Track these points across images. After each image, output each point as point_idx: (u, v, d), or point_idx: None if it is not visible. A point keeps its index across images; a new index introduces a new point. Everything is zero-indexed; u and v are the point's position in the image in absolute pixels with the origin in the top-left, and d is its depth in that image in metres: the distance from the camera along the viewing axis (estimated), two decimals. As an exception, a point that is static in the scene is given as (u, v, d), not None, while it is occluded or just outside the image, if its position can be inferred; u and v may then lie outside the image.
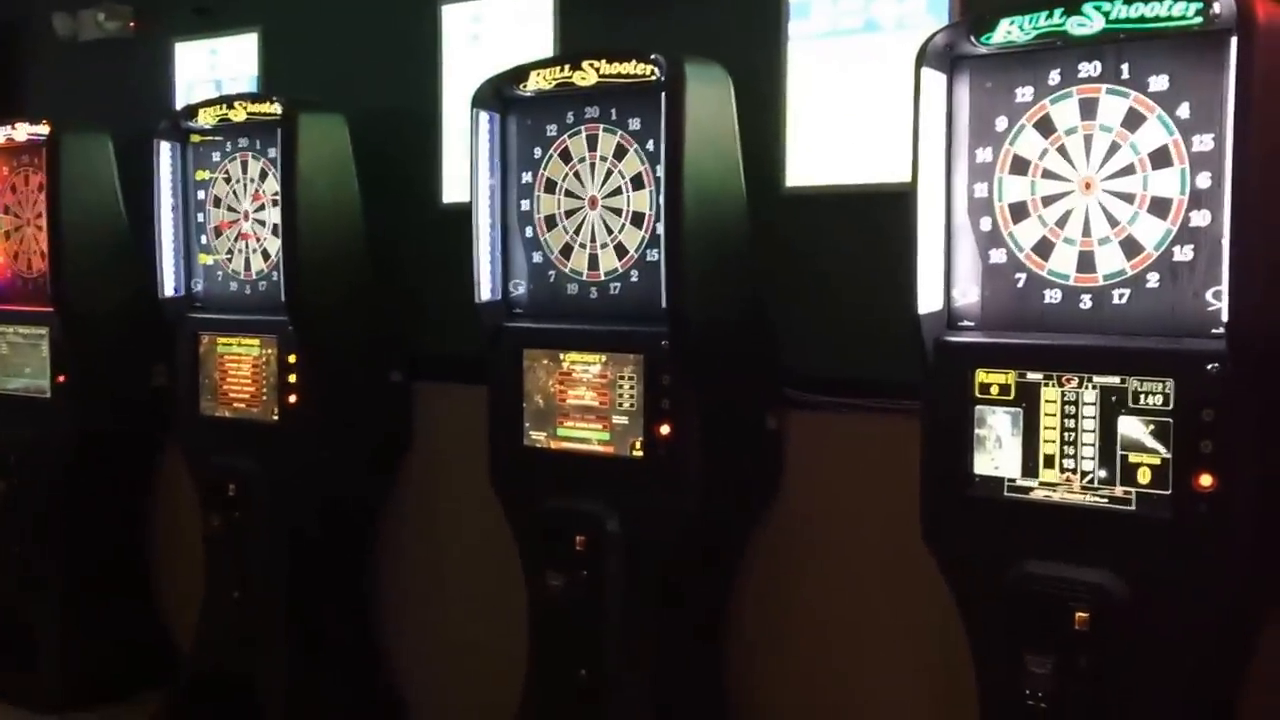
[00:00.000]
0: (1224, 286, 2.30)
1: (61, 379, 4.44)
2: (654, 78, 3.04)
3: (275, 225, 3.87)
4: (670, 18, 3.46)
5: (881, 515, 3.11)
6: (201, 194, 4.13)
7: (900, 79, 2.73)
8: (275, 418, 3.90)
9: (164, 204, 4.14)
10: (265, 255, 3.98)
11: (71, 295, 4.39)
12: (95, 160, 4.51)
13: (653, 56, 3.04)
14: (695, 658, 3.36)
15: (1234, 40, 2.26)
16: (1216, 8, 2.29)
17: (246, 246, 4.03)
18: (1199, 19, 2.31)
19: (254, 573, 3.94)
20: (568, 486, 3.23)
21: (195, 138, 4.12)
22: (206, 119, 4.04)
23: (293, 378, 3.83)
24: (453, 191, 3.88)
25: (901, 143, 2.70)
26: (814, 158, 3.21)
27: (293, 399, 3.84)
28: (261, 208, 3.98)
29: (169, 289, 4.15)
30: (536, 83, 3.25)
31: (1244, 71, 2.25)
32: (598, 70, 3.14)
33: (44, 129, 4.42)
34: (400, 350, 4.05)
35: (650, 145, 3.12)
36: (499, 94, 3.34)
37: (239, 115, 3.95)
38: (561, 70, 3.21)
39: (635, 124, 3.15)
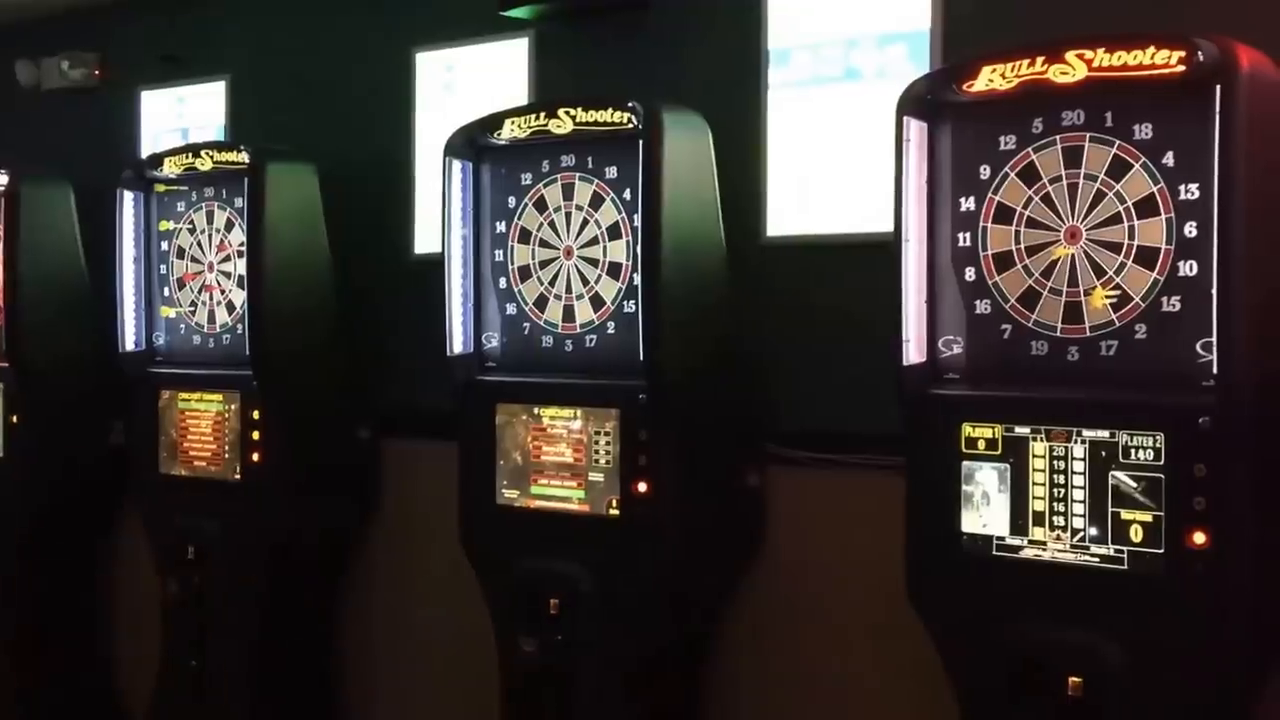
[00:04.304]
0: (1213, 338, 2.31)
1: (14, 438, 4.39)
2: (631, 126, 3.06)
3: (241, 277, 3.87)
4: (648, 65, 3.49)
5: (867, 575, 3.09)
6: (165, 245, 4.13)
7: (881, 128, 2.74)
8: (237, 476, 3.86)
9: (126, 255, 4.13)
10: (230, 308, 3.97)
11: (27, 349, 4.36)
12: (56, 210, 4.50)
13: (630, 104, 3.06)
14: (674, 725, 3.32)
15: (1218, 88, 2.29)
16: (1200, 56, 2.32)
17: (210, 299, 4.02)
18: (1182, 67, 2.34)
19: (213, 640, 3.89)
20: (542, 547, 3.20)
21: (160, 187, 4.13)
22: (172, 168, 4.04)
23: (256, 435, 3.81)
24: (425, 242, 3.88)
25: (883, 192, 2.71)
26: (794, 207, 3.23)
27: (256, 457, 3.81)
28: (227, 259, 3.97)
29: (130, 343, 4.13)
30: (511, 131, 3.27)
31: (1228, 120, 2.28)
32: (574, 118, 3.15)
33: (3, 178, 4.41)
34: (369, 406, 4.03)
35: (627, 194, 3.13)
36: (472, 142, 3.36)
37: (205, 164, 3.95)
38: (537, 118, 3.23)
39: (612, 173, 3.17)
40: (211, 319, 4.02)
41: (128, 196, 4.13)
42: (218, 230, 4.00)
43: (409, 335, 3.93)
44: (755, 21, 3.27)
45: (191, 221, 4.06)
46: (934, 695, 2.77)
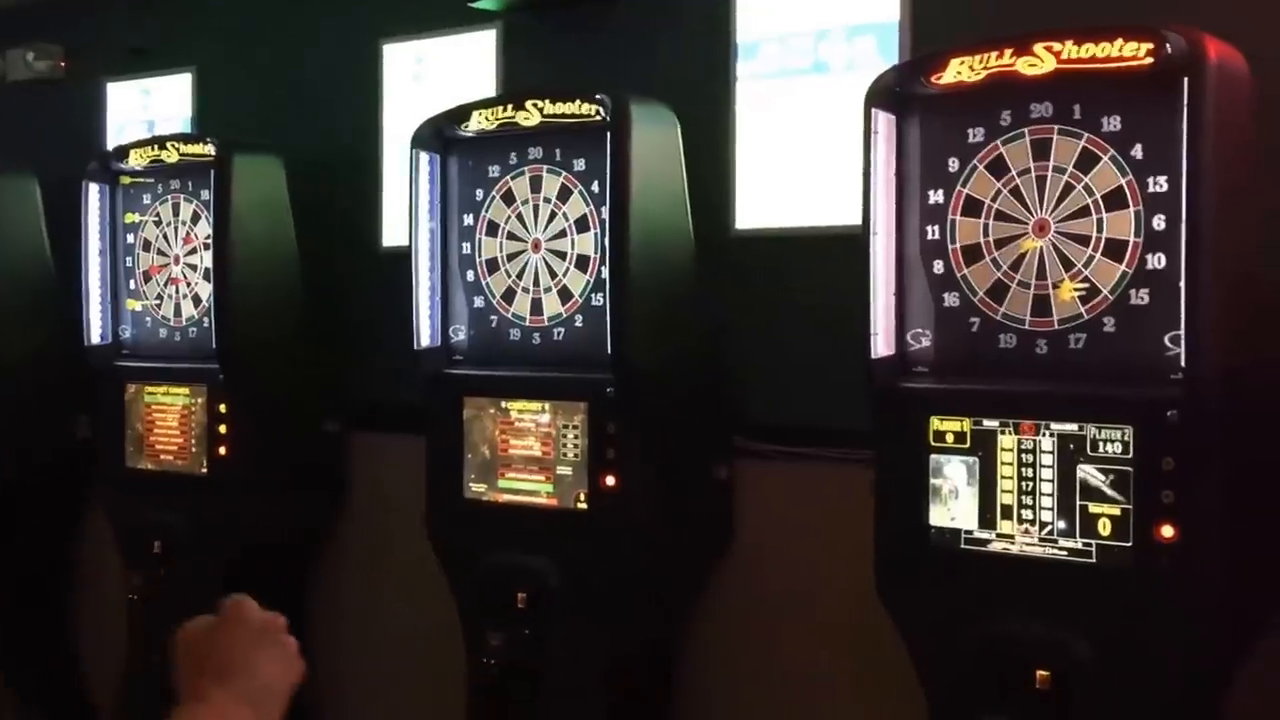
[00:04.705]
0: (1181, 331, 2.28)
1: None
2: (599, 118, 3.02)
3: (207, 270, 3.82)
4: (616, 58, 3.45)
5: (838, 569, 3.06)
6: (131, 237, 4.06)
7: (850, 120, 2.72)
8: (204, 470, 3.81)
9: (92, 248, 4.06)
10: (196, 301, 3.91)
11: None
12: (22, 203, 4.44)
13: (597, 96, 3.02)
14: (643, 717, 3.28)
15: (1186, 80, 2.27)
16: (1168, 48, 2.29)
17: (177, 291, 3.96)
18: (1150, 59, 2.32)
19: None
20: (509, 541, 3.16)
21: (125, 180, 4.06)
22: (137, 160, 3.98)
23: (223, 428, 3.75)
24: (393, 235, 3.84)
25: (852, 185, 2.69)
26: (764, 200, 3.20)
27: (223, 450, 3.76)
28: (193, 251, 3.91)
29: (95, 336, 4.06)
30: (478, 123, 3.22)
31: (1196, 112, 2.26)
32: (541, 110, 3.11)
33: (-34, 171, 4.35)
34: (337, 399, 3.98)
35: (595, 187, 3.09)
36: (439, 134, 3.31)
37: (171, 156, 3.89)
38: (504, 110, 3.18)
39: (580, 165, 3.12)
40: (178, 312, 3.96)
41: (93, 189, 4.06)
42: (184, 223, 3.94)
43: (377, 328, 3.88)
44: (724, 13, 3.24)
45: (157, 214, 4.00)
46: (904, 690, 2.75)
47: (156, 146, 3.94)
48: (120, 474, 4.03)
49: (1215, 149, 2.26)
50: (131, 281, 4.07)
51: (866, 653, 3.00)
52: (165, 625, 4.13)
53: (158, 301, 4.02)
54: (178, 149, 3.89)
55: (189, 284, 3.93)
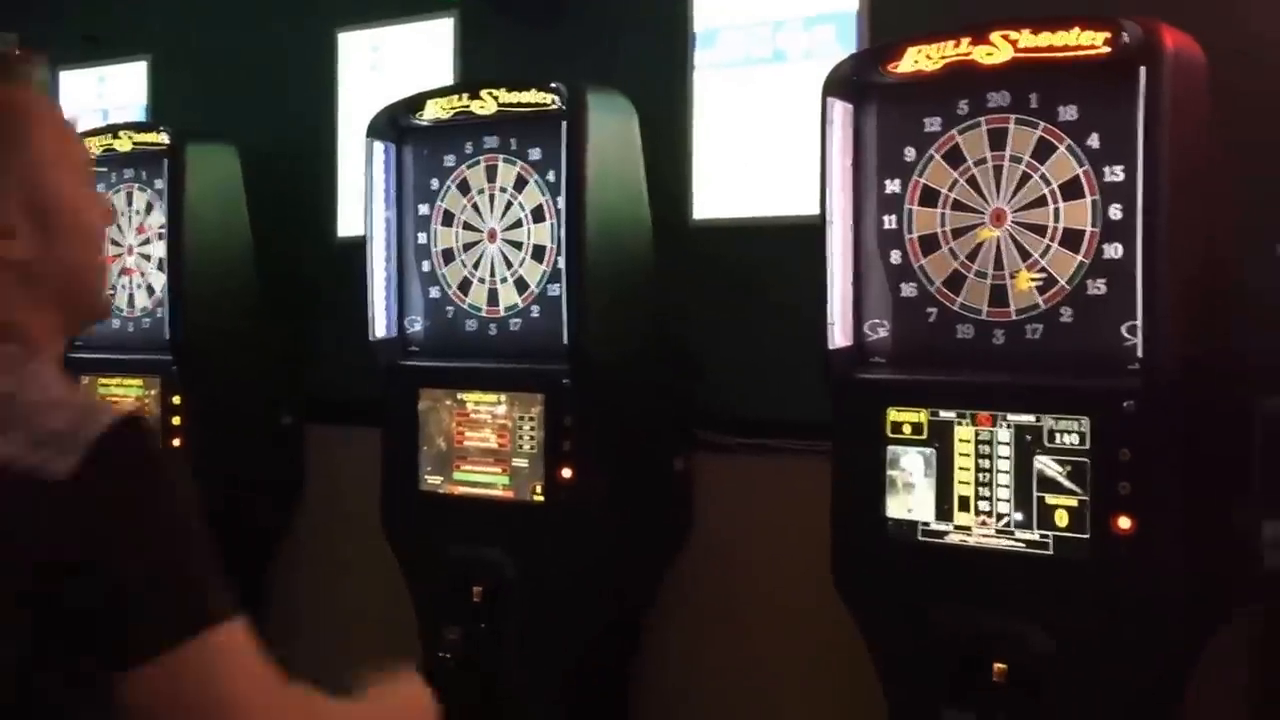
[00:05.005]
0: (1138, 321, 2.26)
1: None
2: (555, 107, 2.97)
3: (161, 260, 3.75)
4: (574, 46, 3.40)
5: (798, 561, 3.02)
6: (83, 227, 3.97)
7: (808, 110, 2.68)
8: (157, 464, 3.73)
9: (42, 238, 3.97)
10: (150, 291, 3.84)
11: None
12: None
13: (553, 85, 2.98)
14: (602, 712, 3.24)
15: (1143, 70, 2.24)
16: (1125, 37, 2.27)
17: (130, 282, 3.89)
18: (1107, 48, 2.29)
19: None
20: (466, 534, 3.11)
21: (76, 168, 3.97)
22: (90, 149, 3.89)
23: (176, 420, 3.69)
24: (349, 225, 3.78)
25: (811, 174, 2.65)
26: (722, 190, 3.16)
27: (176, 443, 3.68)
28: (147, 241, 3.85)
29: (46, 328, 3.98)
30: (434, 112, 3.17)
31: (1153, 101, 2.24)
32: (497, 99, 3.06)
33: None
34: (293, 391, 3.93)
35: (551, 176, 3.04)
36: (395, 123, 3.25)
37: (124, 145, 3.83)
38: (459, 99, 3.13)
39: (536, 154, 3.07)
40: (131, 303, 3.89)
41: (43, 178, 3.97)
42: (137, 212, 3.87)
43: (333, 319, 3.82)
44: (682, 2, 3.20)
45: (111, 203, 3.91)
46: (865, 681, 2.71)
47: (109, 135, 3.87)
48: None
49: (1172, 139, 2.24)
50: (84, 272, 3.98)
51: (827, 644, 2.97)
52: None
53: (111, 292, 3.93)
54: (131, 137, 3.82)
55: (142, 274, 3.86)
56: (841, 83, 2.58)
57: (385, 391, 3.29)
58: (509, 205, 3.12)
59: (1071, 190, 2.37)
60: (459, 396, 3.15)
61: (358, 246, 3.36)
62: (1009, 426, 2.40)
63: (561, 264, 2.98)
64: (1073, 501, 2.33)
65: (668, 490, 3.19)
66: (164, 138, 3.73)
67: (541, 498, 3.00)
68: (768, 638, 3.14)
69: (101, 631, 1.21)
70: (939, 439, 2.47)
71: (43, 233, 1.35)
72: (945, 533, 2.47)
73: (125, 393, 3.83)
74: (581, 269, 2.92)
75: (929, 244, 2.53)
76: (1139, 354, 2.26)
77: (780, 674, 3.13)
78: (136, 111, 4.36)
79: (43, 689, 1.22)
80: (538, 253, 3.08)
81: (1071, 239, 2.37)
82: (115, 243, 3.91)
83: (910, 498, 2.50)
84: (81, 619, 1.20)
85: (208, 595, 1.25)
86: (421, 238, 3.27)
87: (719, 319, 3.18)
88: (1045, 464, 2.36)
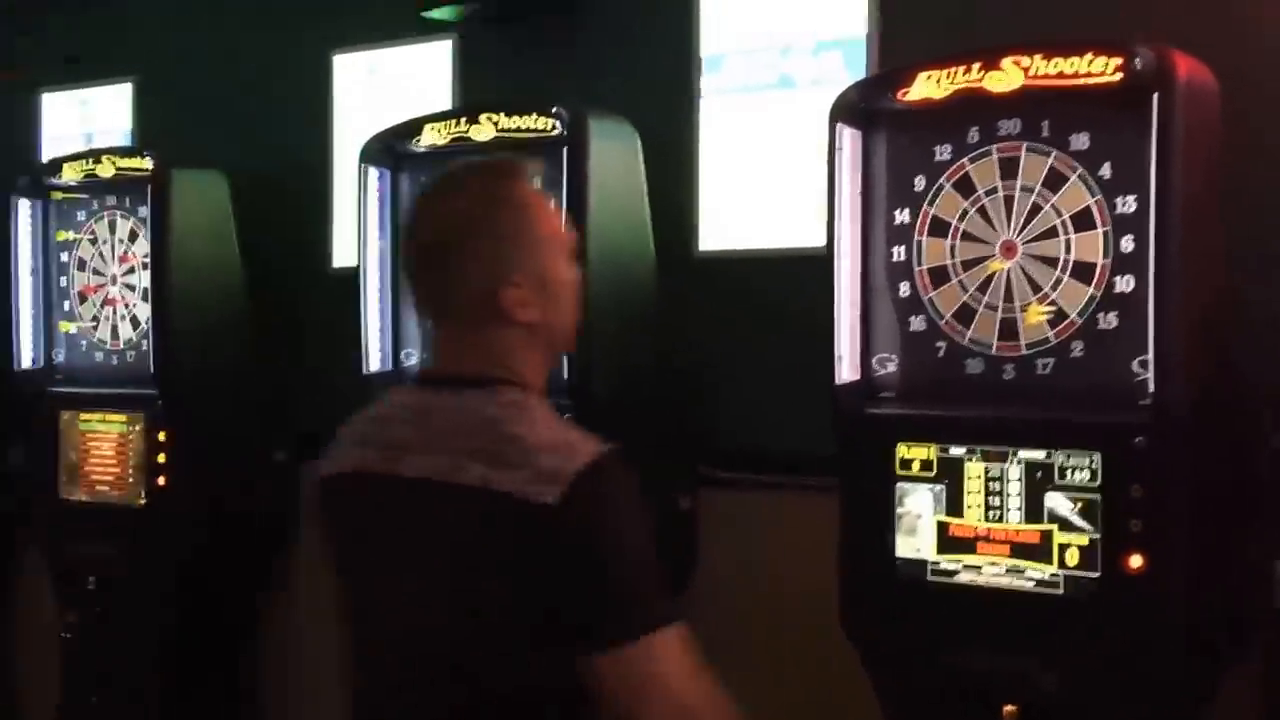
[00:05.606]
0: (1150, 355, 2.35)
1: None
2: (555, 132, 3.07)
3: (146, 290, 3.84)
4: (576, 71, 3.51)
5: (803, 601, 3.09)
6: (65, 256, 4.09)
7: (816, 137, 2.77)
8: (142, 502, 3.83)
9: (23, 267, 4.09)
10: (134, 323, 3.94)
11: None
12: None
13: (554, 110, 3.08)
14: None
15: (1155, 97, 2.33)
16: (1137, 64, 2.36)
17: (114, 313, 3.98)
18: (1119, 75, 2.38)
19: (116, 674, 3.85)
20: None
21: (57, 195, 4.08)
22: (71, 175, 4.01)
23: (162, 457, 3.77)
24: (343, 255, 3.88)
25: (819, 204, 2.74)
26: (728, 220, 3.26)
27: (162, 481, 3.78)
28: (131, 271, 3.94)
29: (26, 360, 4.09)
30: (430, 137, 3.27)
31: (1165, 130, 2.32)
32: (495, 124, 3.16)
33: (-112, 186, 4.36)
34: (285, 427, 4.01)
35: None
36: (390, 149, 3.36)
37: (107, 171, 3.92)
38: (457, 124, 3.23)
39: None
40: (115, 335, 3.98)
41: (23, 204, 4.08)
42: (121, 241, 3.97)
43: (327, 352, 3.89)
44: (687, 26, 3.31)
45: (93, 231, 4.03)
46: (871, 724, 2.80)
47: (91, 160, 3.97)
48: (53, 506, 4.04)
49: (1184, 168, 2.32)
50: (65, 302, 4.09)
51: (833, 685, 3.05)
52: (101, 663, 4.14)
53: (93, 324, 4.04)
54: (114, 163, 3.91)
55: (127, 305, 3.95)
56: (850, 109, 2.66)
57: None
58: (508, 234, 3.22)
59: (1083, 221, 2.46)
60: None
61: (352, 277, 3.46)
62: (1019, 463, 2.49)
63: (562, 295, 3.07)
64: (1084, 540, 2.41)
65: (673, 528, 3.26)
66: (149, 163, 3.82)
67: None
68: (773, 678, 3.21)
69: (576, 628, 1.73)
70: (948, 475, 2.57)
71: (545, 300, 1.90)
72: (954, 571, 2.56)
73: (108, 429, 3.92)
74: (583, 300, 3.01)
75: (939, 276, 2.62)
76: (1150, 389, 2.34)
77: (786, 715, 3.20)
78: (122, 136, 4.47)
79: (529, 674, 1.76)
80: (538, 283, 3.17)
81: (1083, 271, 2.47)
82: (98, 272, 4.02)
83: (918, 536, 2.60)
84: (562, 617, 1.72)
85: (658, 603, 1.78)
86: (417, 268, 3.37)
87: (726, 352, 3.27)
88: (1056, 501, 2.46)
